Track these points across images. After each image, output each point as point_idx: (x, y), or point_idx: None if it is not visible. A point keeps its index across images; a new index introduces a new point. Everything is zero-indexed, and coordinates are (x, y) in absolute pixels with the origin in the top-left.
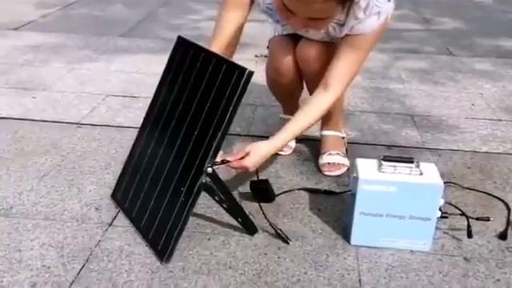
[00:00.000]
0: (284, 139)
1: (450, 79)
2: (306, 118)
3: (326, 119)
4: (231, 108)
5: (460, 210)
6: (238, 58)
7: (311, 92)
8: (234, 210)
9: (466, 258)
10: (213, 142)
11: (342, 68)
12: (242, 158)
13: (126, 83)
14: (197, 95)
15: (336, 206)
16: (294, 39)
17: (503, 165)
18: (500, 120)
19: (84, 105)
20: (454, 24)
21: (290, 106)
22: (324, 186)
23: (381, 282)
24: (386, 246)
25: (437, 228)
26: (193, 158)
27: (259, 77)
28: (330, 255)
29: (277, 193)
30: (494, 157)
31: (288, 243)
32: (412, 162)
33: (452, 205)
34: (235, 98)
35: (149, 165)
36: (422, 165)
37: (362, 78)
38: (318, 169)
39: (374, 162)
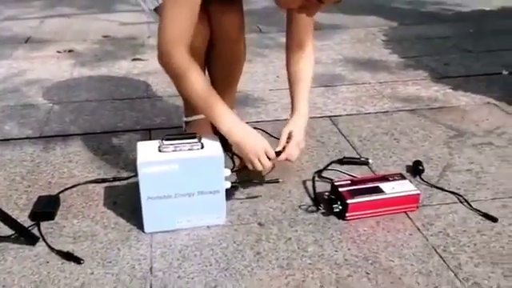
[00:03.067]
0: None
1: (257, 55)
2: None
3: None
4: None
5: (247, 177)
6: (39, 56)
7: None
8: (7, 220)
9: (260, 223)
10: None
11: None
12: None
13: None
14: None
15: (133, 195)
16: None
17: None
18: None
19: None
20: (263, 3)
21: None
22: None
23: (173, 264)
24: (182, 226)
25: (233, 199)
26: None
27: (62, 72)
28: (122, 249)
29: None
30: None
31: (81, 263)
32: (194, 138)
33: (240, 173)
34: None
35: None
36: (204, 139)
37: None
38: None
39: (155, 143)
